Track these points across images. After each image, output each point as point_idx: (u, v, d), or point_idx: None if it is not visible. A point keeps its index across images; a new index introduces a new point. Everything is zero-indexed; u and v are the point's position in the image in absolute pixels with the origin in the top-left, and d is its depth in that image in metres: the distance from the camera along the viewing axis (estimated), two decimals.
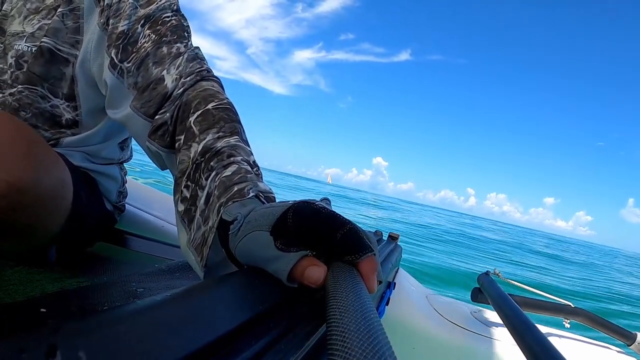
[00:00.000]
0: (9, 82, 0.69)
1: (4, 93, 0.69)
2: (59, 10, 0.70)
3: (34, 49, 0.69)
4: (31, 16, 0.71)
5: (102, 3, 0.70)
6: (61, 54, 0.70)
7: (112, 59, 0.66)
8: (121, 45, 0.66)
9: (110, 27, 0.68)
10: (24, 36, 0.70)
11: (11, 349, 0.13)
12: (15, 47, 0.70)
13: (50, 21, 0.70)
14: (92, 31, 0.70)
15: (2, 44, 0.71)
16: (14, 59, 0.69)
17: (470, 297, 1.20)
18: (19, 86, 0.69)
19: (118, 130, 0.83)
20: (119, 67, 0.65)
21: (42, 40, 0.69)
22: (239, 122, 0.57)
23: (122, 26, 0.67)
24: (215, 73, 0.66)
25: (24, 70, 0.69)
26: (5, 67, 0.70)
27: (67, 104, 0.73)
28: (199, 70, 0.63)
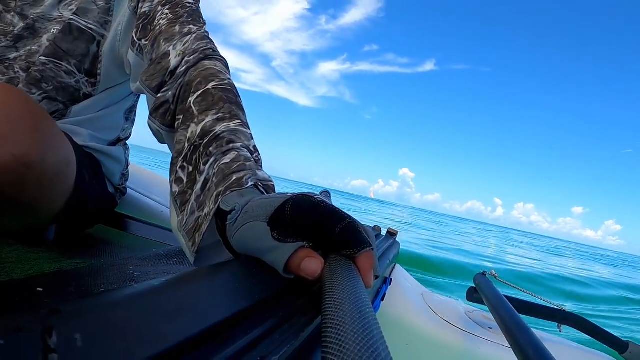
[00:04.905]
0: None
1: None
2: None
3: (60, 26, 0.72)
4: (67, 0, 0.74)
5: None
6: (90, 32, 0.74)
7: (132, 37, 0.70)
8: (141, 25, 0.70)
9: (139, 10, 0.72)
10: (62, 22, 0.72)
11: (8, 328, 0.13)
12: (53, 31, 0.72)
13: (79, 1, 0.73)
14: (122, 14, 0.74)
15: (30, 27, 0.72)
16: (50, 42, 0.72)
17: (465, 297, 1.20)
18: (44, 58, 0.71)
19: (122, 97, 0.85)
20: (137, 44, 0.69)
21: (71, 17, 0.72)
22: (240, 104, 0.56)
23: (145, 7, 0.71)
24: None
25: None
26: (38, 49, 0.72)
27: (87, 79, 0.76)
28: (203, 49, 0.63)
